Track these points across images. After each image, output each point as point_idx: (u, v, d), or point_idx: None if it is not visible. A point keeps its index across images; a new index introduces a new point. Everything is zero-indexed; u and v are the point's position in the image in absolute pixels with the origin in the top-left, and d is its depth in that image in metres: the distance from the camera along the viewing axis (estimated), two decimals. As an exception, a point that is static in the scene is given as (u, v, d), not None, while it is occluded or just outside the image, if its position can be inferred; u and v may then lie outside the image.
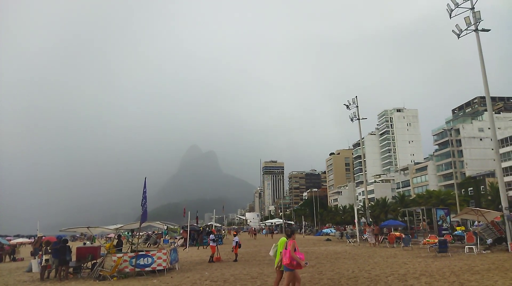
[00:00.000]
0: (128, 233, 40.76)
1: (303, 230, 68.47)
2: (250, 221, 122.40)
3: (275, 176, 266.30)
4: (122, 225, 17.99)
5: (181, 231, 37.73)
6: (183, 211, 38.61)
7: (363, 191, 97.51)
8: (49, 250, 16.09)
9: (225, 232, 59.81)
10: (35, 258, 18.82)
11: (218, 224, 64.87)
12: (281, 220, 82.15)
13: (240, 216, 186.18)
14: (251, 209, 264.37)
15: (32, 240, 47.30)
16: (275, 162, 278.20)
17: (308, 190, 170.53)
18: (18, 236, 65.28)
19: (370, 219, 49.67)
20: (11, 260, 30.19)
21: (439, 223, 31.46)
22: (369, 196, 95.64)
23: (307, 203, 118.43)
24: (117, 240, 21.30)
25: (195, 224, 46.07)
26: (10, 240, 42.74)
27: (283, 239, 9.44)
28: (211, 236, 21.86)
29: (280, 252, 9.26)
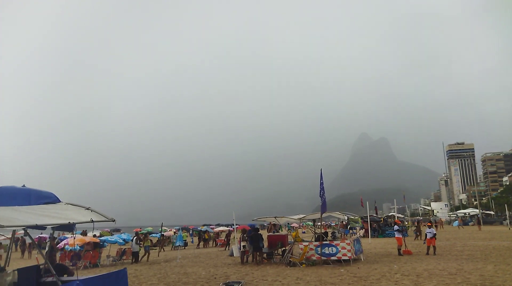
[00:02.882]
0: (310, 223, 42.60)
1: (507, 221, 57.60)
2: (438, 212, 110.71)
3: (464, 160, 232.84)
4: (304, 215, 18.80)
5: (362, 222, 37.04)
6: (360, 201, 37.82)
7: None
8: (246, 238, 18.19)
9: (408, 223, 55.80)
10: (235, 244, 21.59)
11: (400, 215, 61.04)
12: (477, 210, 71.24)
13: (424, 206, 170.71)
14: (437, 198, 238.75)
15: (230, 228, 54.76)
16: (462, 143, 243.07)
17: (510, 174, 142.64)
18: (218, 224, 76.31)
19: None
20: (216, 245, 35.77)
21: None
22: None
23: (510, 189, 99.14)
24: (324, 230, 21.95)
25: (375, 215, 44.50)
26: (213, 228, 50.48)
27: None
28: (396, 227, 20.59)
29: None
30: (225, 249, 29.03)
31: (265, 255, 18.06)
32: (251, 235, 17.58)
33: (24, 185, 8.02)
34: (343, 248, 15.69)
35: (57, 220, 6.14)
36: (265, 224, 74.52)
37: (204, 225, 58.36)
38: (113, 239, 23.71)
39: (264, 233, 21.56)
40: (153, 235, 39.58)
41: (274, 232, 29.34)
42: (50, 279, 7.14)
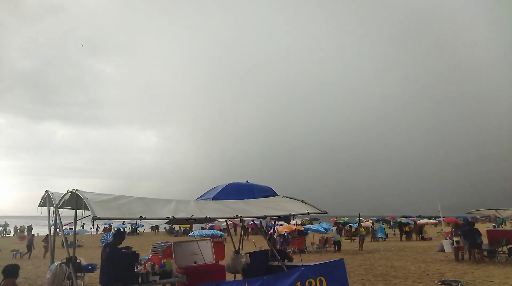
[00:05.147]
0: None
1: None
2: None
3: None
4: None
5: None
6: None
7: None
8: (459, 232, 16.26)
9: None
10: (446, 239, 19.60)
11: None
12: None
13: None
14: None
15: (434, 221, 49.92)
16: None
17: None
18: (419, 216, 70.75)
19: None
20: (421, 239, 33.18)
21: None
22: None
23: None
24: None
25: None
26: (414, 220, 47.09)
27: None
28: None
29: None
30: None
31: (485, 252, 15.69)
32: (466, 229, 15.64)
33: (247, 181, 9.44)
34: None
35: (280, 211, 6.96)
36: (478, 217, 64.69)
37: (403, 217, 55.36)
38: (315, 228, 25.21)
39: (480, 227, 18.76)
40: (351, 225, 40.05)
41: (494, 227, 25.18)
42: (276, 263, 8.15)
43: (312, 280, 6.17)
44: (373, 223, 40.88)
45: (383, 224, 34.89)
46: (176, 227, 44.22)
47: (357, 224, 37.54)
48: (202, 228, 28.71)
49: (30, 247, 23.06)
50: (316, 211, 7.06)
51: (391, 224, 47.86)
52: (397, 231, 37.11)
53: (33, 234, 27.40)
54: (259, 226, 18.29)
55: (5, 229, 52.17)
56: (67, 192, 6.11)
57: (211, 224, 32.54)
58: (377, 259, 17.62)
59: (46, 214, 7.19)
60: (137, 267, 7.44)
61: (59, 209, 6.43)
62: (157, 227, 53.50)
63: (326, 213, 7.11)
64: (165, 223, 11.29)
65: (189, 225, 35.84)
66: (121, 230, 9.20)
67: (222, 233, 29.54)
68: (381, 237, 25.51)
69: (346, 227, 36.64)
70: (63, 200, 6.31)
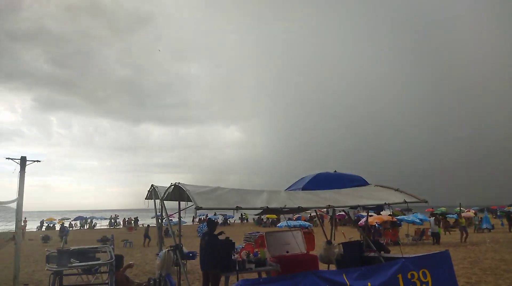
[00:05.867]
0: None
1: None
2: None
3: None
4: None
5: None
6: None
7: None
8: None
9: None
10: None
11: None
12: None
13: None
14: None
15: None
16: None
17: None
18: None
19: None
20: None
21: None
22: None
23: None
24: None
25: None
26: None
27: None
28: None
29: None
30: None
31: None
32: None
33: (335, 171, 9.27)
34: None
35: (373, 201, 6.71)
36: None
37: (511, 206, 49.54)
38: (409, 219, 23.83)
39: None
40: (449, 216, 37.02)
41: None
42: (372, 254, 7.88)
43: (415, 273, 5.83)
44: (475, 213, 37.22)
45: (488, 214, 31.48)
46: (264, 218, 45.39)
47: (456, 214, 34.56)
48: (289, 218, 29.06)
49: (146, 236, 25.70)
50: (414, 200, 6.65)
51: (498, 213, 43.07)
52: (505, 221, 33.37)
53: (148, 225, 30.48)
54: (347, 217, 17.92)
55: (115, 221, 58.89)
56: (171, 185, 6.65)
57: (298, 215, 32.72)
58: (483, 251, 16.07)
59: (153, 207, 7.92)
60: (233, 255, 7.82)
61: (163, 201, 7.04)
62: (245, 218, 55.65)
63: (426, 202, 6.65)
64: (257, 214, 11.62)
65: (276, 216, 36.51)
66: (213, 219, 9.71)
67: (310, 224, 29.54)
68: (486, 228, 23.13)
69: (442, 218, 34.00)
70: (167, 192, 6.89)
